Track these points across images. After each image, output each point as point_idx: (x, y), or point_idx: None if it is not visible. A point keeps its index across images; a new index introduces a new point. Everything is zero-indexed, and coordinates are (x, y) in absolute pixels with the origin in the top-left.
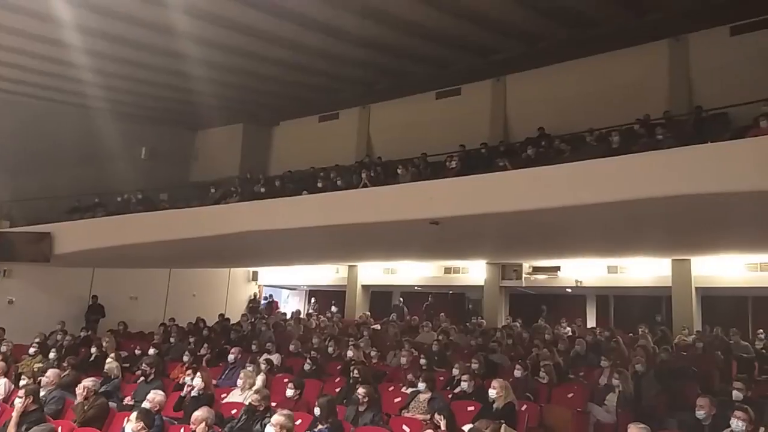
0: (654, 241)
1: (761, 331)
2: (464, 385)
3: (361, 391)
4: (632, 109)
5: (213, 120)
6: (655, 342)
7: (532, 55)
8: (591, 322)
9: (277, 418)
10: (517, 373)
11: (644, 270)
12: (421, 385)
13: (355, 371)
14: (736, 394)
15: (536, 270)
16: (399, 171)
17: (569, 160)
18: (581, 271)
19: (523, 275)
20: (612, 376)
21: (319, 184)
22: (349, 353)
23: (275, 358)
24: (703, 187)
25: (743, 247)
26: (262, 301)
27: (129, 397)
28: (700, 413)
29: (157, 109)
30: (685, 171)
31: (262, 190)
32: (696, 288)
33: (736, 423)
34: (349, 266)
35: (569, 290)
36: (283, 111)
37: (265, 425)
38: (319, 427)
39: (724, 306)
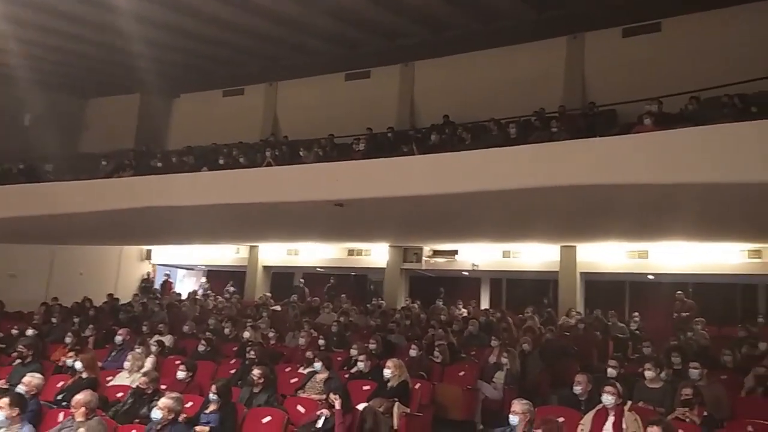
0: (544, 228)
1: (636, 313)
2: (361, 365)
3: (256, 372)
4: (531, 102)
5: (107, 88)
6: (541, 323)
7: (440, 43)
8: (485, 304)
9: (164, 401)
10: (413, 352)
11: (535, 255)
12: (318, 365)
13: (251, 352)
14: (611, 372)
15: (436, 253)
16: (301, 153)
17: (470, 147)
18: (477, 255)
19: (423, 258)
20: (501, 355)
21: (221, 161)
22: (246, 334)
23: (167, 339)
24: (591, 179)
25: (624, 236)
26: (161, 278)
27: (2, 381)
28: (577, 389)
29: (43, 72)
30: (576, 163)
31: (159, 164)
32: (580, 273)
33: (606, 397)
34: (251, 246)
35: (466, 273)
36: (184, 83)
37: (153, 408)
38: (211, 408)
39: (605, 290)
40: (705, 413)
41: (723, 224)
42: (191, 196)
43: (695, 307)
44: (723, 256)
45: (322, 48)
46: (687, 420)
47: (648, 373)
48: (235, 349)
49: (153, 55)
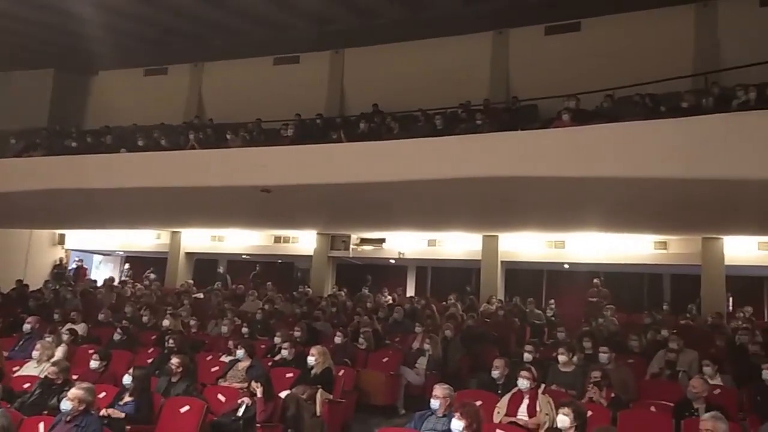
0: (468, 217)
1: (552, 301)
2: (285, 352)
3: (174, 360)
4: (458, 94)
5: (18, 62)
6: (463, 310)
7: (369, 31)
8: (411, 292)
9: (74, 391)
10: (338, 339)
11: (458, 244)
12: (240, 353)
13: (170, 341)
14: (527, 356)
15: (363, 241)
16: (228, 137)
17: (398, 137)
18: (404, 243)
19: (351, 246)
20: (424, 341)
21: (140, 143)
22: (165, 322)
23: (80, 328)
24: (512, 171)
25: (543, 227)
26: (71, 266)
27: None
28: (495, 373)
29: None
30: (498, 155)
31: (74, 144)
32: (501, 261)
33: (521, 381)
34: (172, 232)
35: (392, 261)
36: (103, 60)
37: (63, 399)
38: (126, 399)
39: (524, 278)
40: (612, 395)
41: (633, 217)
42: (107, 179)
43: (609, 295)
44: (632, 247)
45: (251, 29)
46: (594, 398)
47: (561, 357)
48: (153, 337)
49: (70, 28)
